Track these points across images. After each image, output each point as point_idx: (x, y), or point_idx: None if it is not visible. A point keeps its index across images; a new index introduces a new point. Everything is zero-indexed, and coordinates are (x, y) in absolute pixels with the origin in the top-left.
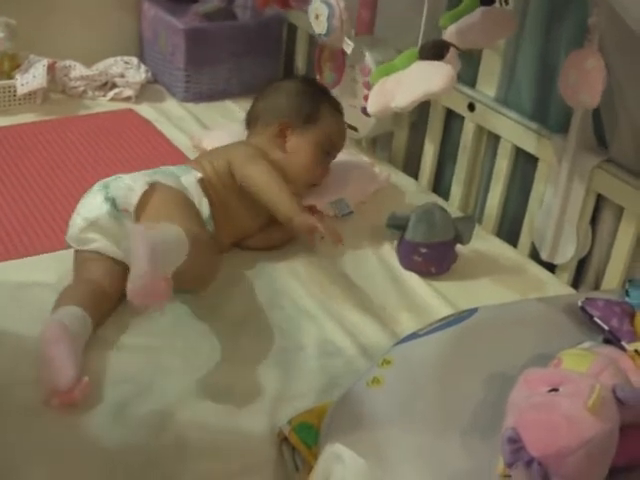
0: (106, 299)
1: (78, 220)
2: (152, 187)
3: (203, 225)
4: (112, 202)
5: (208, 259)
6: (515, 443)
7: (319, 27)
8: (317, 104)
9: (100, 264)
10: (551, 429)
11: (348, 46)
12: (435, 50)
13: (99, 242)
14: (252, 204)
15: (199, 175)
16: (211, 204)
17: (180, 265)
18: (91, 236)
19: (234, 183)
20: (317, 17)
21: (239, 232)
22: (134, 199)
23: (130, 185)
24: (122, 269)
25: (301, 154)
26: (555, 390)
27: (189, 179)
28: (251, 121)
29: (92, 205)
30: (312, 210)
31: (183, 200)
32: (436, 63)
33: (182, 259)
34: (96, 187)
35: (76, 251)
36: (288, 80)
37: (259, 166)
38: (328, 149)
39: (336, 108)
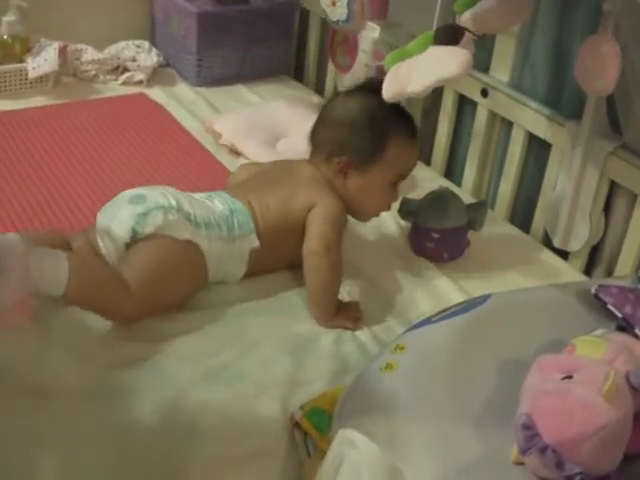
0: None
1: (106, 220)
2: (177, 241)
3: (179, 290)
4: (135, 236)
5: (107, 299)
6: (529, 430)
7: (337, 13)
8: (383, 139)
9: (88, 246)
10: (565, 416)
11: (373, 30)
12: (450, 35)
13: (106, 249)
14: (297, 253)
15: (256, 244)
16: (249, 269)
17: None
18: (104, 243)
19: (295, 233)
20: (334, 3)
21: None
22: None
23: (166, 226)
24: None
25: (363, 194)
26: (569, 377)
27: (244, 245)
28: (313, 143)
29: (121, 222)
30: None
31: (187, 268)
32: (451, 48)
33: (59, 288)
34: (141, 206)
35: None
36: (355, 99)
37: (330, 259)
38: (395, 181)
39: (407, 136)
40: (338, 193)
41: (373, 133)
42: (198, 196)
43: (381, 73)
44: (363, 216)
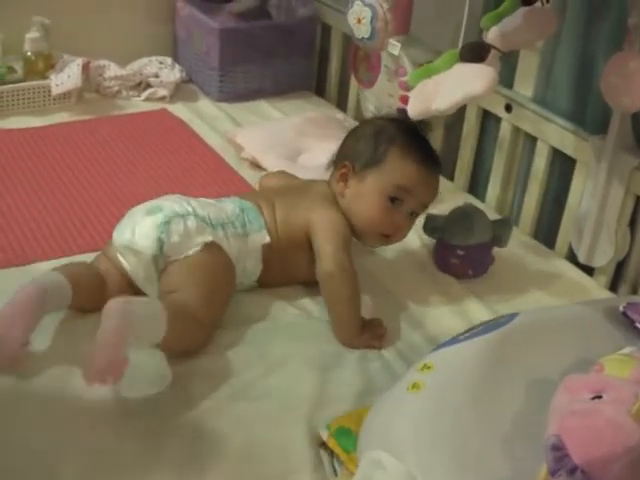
0: (97, 288)
1: (126, 235)
2: (206, 247)
3: (224, 302)
4: (161, 247)
5: (191, 339)
6: (559, 450)
7: (362, 31)
8: (386, 145)
9: (113, 268)
10: (595, 436)
11: (394, 47)
12: (476, 52)
13: (130, 265)
14: (308, 266)
15: (267, 240)
16: (265, 268)
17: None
18: (127, 259)
19: (301, 246)
20: (359, 21)
21: (283, 281)
22: (183, 254)
23: (189, 233)
24: (128, 284)
25: (359, 202)
26: (598, 397)
27: (256, 241)
28: (333, 162)
29: (144, 234)
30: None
31: (223, 276)
32: (477, 65)
33: (157, 337)
34: (160, 215)
35: (107, 246)
36: (377, 119)
37: (345, 279)
38: (397, 196)
39: (412, 153)
40: (342, 207)
41: (376, 141)
42: (208, 200)
43: (404, 89)
44: (361, 232)
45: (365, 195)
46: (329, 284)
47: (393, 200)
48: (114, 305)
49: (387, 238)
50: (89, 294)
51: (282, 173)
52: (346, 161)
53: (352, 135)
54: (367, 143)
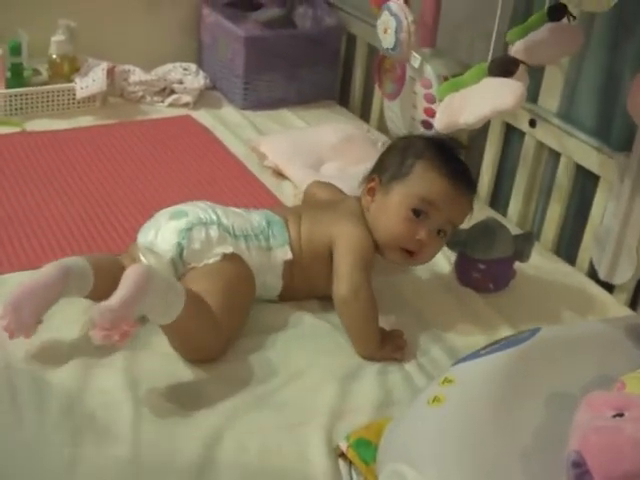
0: (118, 278)
1: (149, 237)
2: (226, 258)
3: (243, 312)
4: (181, 252)
5: (206, 341)
6: (580, 467)
7: (386, 41)
8: (413, 159)
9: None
10: (616, 454)
11: (415, 60)
12: (505, 66)
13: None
14: (330, 281)
15: (289, 256)
16: (285, 284)
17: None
18: (148, 260)
19: (324, 261)
20: (385, 31)
21: (305, 296)
22: (202, 262)
23: (210, 242)
24: None
25: (382, 214)
26: (620, 415)
27: (278, 256)
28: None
29: (166, 238)
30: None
31: (241, 286)
32: (506, 80)
33: (172, 313)
34: (184, 220)
35: (132, 246)
36: (410, 135)
37: (360, 303)
38: (421, 209)
39: (439, 168)
40: (367, 221)
41: (404, 155)
42: (236, 209)
43: (428, 101)
44: (383, 244)
45: (388, 207)
46: (342, 308)
47: (418, 214)
48: (136, 268)
49: (411, 256)
50: (110, 286)
51: (330, 186)
52: (375, 174)
53: (384, 151)
54: (395, 157)
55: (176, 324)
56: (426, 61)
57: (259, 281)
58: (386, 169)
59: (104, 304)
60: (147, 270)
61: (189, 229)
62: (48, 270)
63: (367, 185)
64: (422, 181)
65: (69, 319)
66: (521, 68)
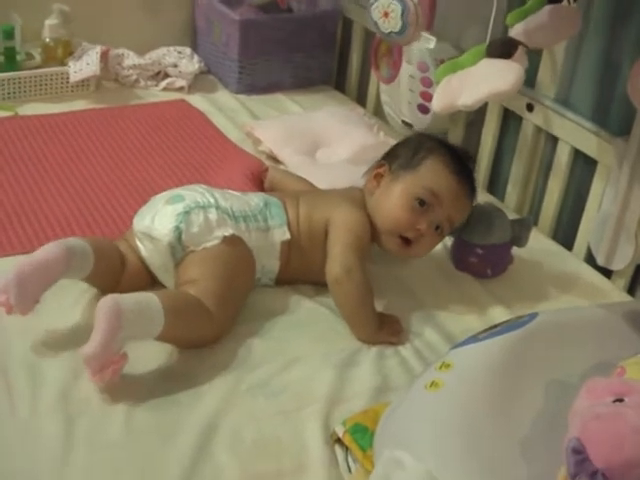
0: (117, 266)
1: (145, 222)
2: (227, 240)
3: (242, 297)
4: (179, 236)
5: (199, 333)
6: (579, 454)
7: (390, 25)
8: (425, 153)
9: (132, 252)
10: (617, 441)
11: (429, 41)
12: (504, 48)
13: (147, 251)
14: (324, 264)
15: (286, 237)
16: (282, 266)
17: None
18: (145, 245)
19: (321, 244)
20: (386, 14)
21: (301, 280)
22: (202, 245)
23: (209, 225)
24: (145, 270)
25: (386, 199)
26: (620, 400)
27: (276, 237)
28: None
29: (163, 222)
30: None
31: (242, 269)
32: (504, 61)
33: (155, 331)
34: (181, 205)
35: (128, 231)
36: (427, 134)
37: (353, 283)
38: (425, 199)
39: (448, 166)
40: (368, 206)
41: (417, 148)
42: (233, 192)
43: (425, 85)
44: (381, 229)
45: (393, 193)
46: (335, 288)
47: (421, 203)
48: (104, 303)
49: (407, 245)
50: (109, 269)
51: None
52: (384, 161)
53: (398, 143)
54: (408, 149)
55: (164, 333)
56: (423, 45)
57: (258, 264)
58: (397, 158)
59: (85, 352)
60: (115, 303)
61: (187, 213)
62: (51, 248)
63: (375, 170)
64: (431, 174)
65: (64, 305)
66: (520, 50)
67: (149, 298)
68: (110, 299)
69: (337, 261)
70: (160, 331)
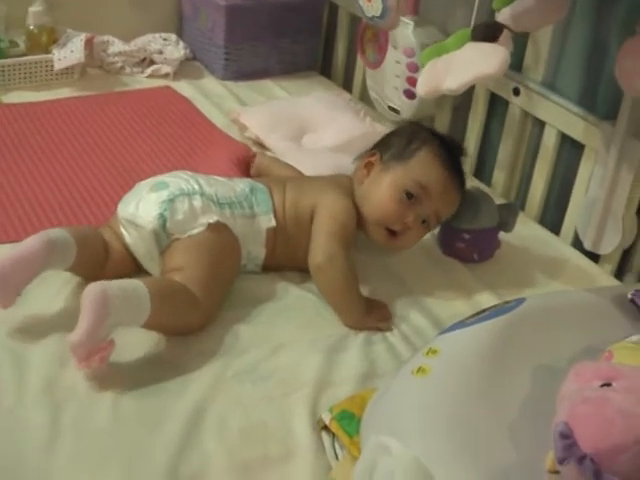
0: (101, 255)
1: (130, 209)
2: (211, 227)
3: (227, 284)
4: (163, 223)
5: (185, 320)
6: (567, 438)
7: (372, 9)
8: (418, 145)
9: (117, 240)
10: (605, 425)
11: (407, 26)
12: (489, 32)
13: (131, 238)
14: (304, 254)
15: (272, 224)
16: (268, 253)
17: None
18: (129, 232)
19: (307, 230)
20: None
21: (288, 266)
22: (187, 232)
23: (194, 212)
24: (130, 257)
25: (375, 190)
26: (608, 385)
27: (262, 224)
28: None
29: (147, 209)
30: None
31: (227, 256)
32: (489, 45)
33: (142, 318)
34: (165, 192)
35: (113, 218)
36: (421, 125)
37: (335, 269)
38: (414, 192)
39: (439, 159)
40: (357, 195)
41: (409, 139)
42: (219, 177)
43: (411, 70)
44: (368, 219)
45: (383, 184)
46: (318, 276)
47: (410, 196)
48: (91, 290)
49: (393, 237)
50: (92, 258)
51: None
52: (376, 150)
53: (391, 132)
54: (401, 139)
55: (151, 320)
56: (409, 29)
57: (244, 250)
58: (389, 148)
59: (71, 339)
60: (101, 289)
61: (171, 200)
62: (31, 242)
63: (366, 158)
64: (422, 166)
65: (48, 294)
66: (505, 33)
67: (135, 284)
68: (96, 286)
69: (320, 249)
70: (147, 317)
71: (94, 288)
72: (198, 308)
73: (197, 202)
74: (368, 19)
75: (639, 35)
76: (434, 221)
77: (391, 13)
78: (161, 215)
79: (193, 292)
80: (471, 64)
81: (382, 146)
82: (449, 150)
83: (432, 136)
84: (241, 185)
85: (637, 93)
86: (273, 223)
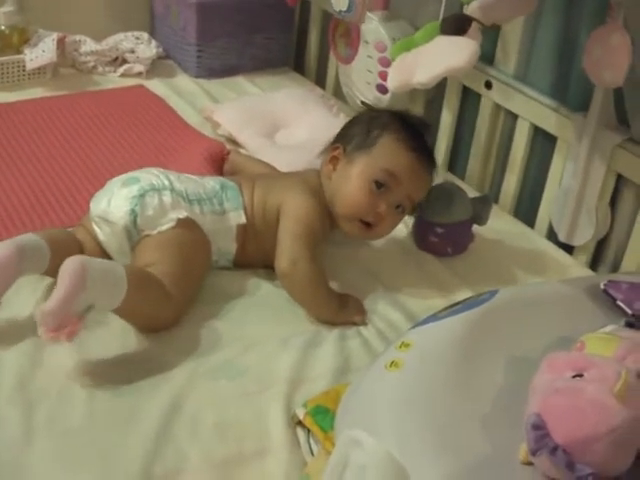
0: (75, 252)
1: (102, 205)
2: (181, 223)
3: (198, 279)
4: (134, 219)
5: (158, 312)
6: (540, 430)
7: (340, 3)
8: (379, 131)
9: (90, 237)
10: (577, 416)
11: (370, 20)
12: (457, 25)
13: (104, 235)
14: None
15: (242, 220)
16: (239, 248)
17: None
18: (102, 229)
19: (275, 228)
20: None
21: (259, 262)
22: (157, 229)
23: (163, 207)
24: (104, 254)
25: (344, 184)
26: (580, 375)
27: (232, 220)
28: None
29: (118, 205)
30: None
31: (197, 252)
32: (458, 38)
33: (116, 299)
34: (136, 187)
35: (85, 216)
36: (377, 109)
37: (299, 274)
38: (383, 181)
39: (403, 141)
40: (327, 191)
41: (370, 126)
42: (190, 175)
43: (384, 65)
44: (339, 214)
45: (351, 177)
46: (283, 282)
47: (379, 186)
48: (70, 263)
49: (368, 228)
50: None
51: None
52: (338, 143)
53: (349, 122)
54: (361, 128)
55: (124, 305)
56: (380, 24)
57: (214, 246)
58: (351, 139)
59: (44, 307)
60: (81, 262)
61: (141, 195)
62: (1, 251)
63: (330, 154)
64: (386, 153)
65: (21, 296)
66: (474, 26)
67: (114, 265)
68: (75, 259)
69: (284, 254)
70: (121, 300)
71: (73, 261)
72: (170, 302)
73: (167, 198)
74: (337, 13)
75: (606, 26)
76: (408, 205)
77: (358, 7)
78: (132, 211)
79: (165, 288)
80: (440, 57)
81: (343, 138)
82: (413, 130)
83: (392, 118)
84: (211, 182)
85: (607, 84)
86: (243, 219)
